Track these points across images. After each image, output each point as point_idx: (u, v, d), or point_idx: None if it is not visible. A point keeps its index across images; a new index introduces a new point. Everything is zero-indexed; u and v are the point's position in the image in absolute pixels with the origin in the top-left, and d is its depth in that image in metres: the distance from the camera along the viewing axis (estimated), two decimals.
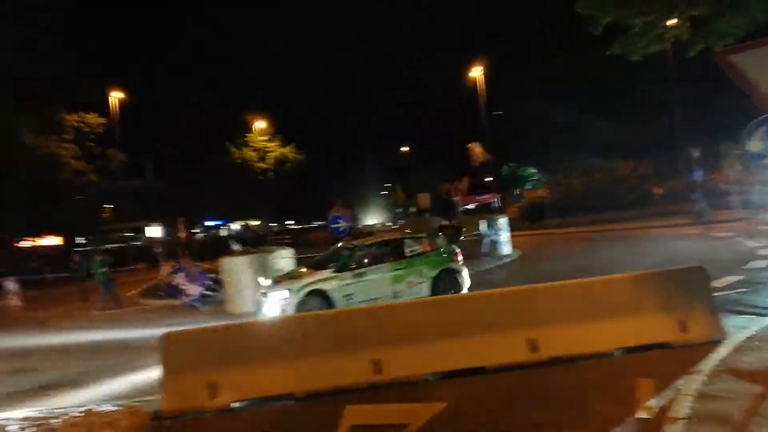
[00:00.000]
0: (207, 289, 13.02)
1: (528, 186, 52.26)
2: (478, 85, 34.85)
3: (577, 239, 23.23)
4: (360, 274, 9.84)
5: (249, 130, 49.62)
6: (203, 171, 46.90)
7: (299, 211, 60.99)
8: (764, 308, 7.05)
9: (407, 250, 10.32)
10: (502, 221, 18.17)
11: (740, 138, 6.09)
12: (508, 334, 5.85)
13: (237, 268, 11.75)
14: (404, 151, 65.08)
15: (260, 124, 49.68)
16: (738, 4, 7.29)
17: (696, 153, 26.32)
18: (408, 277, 10.05)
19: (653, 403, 4.47)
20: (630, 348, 5.75)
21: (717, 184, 28.61)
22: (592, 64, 26.65)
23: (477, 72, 34.86)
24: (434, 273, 10.23)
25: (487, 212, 32.38)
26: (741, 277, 9.47)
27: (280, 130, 50.31)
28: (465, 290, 10.34)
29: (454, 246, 10.95)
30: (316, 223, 61.46)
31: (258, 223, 54.82)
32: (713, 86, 24.38)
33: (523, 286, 6.51)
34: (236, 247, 14.69)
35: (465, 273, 10.54)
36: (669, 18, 7.93)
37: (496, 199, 37.94)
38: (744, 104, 6.25)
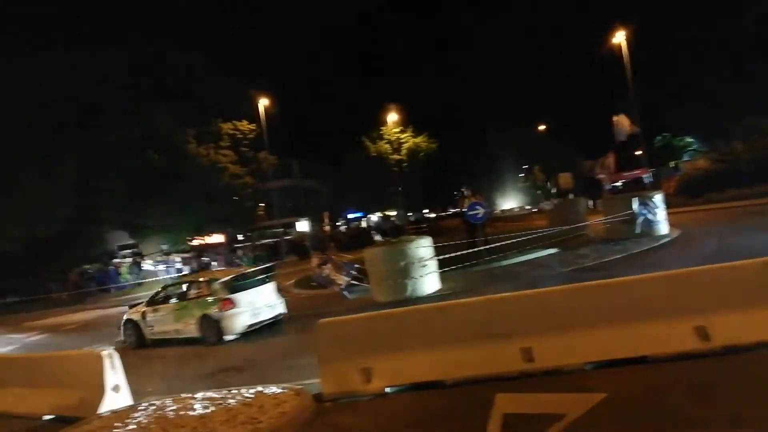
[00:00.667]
0: (353, 279, 13.66)
1: (685, 157, 47.31)
2: (622, 51, 32.20)
3: (745, 214, 20.51)
4: (157, 310, 11.35)
5: (383, 123, 51.01)
6: (343, 166, 49.31)
7: (435, 199, 61.42)
8: None
9: (192, 293, 11.08)
10: (657, 198, 16.63)
11: None
12: (672, 320, 5.36)
13: (378, 258, 12.17)
14: (541, 130, 62.41)
15: (393, 117, 50.81)
16: None
17: None
18: (184, 317, 10.85)
19: None
20: None
21: None
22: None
23: (620, 37, 32.20)
24: (198, 316, 10.57)
25: (639, 189, 29.81)
26: None
27: (412, 121, 51.03)
28: (230, 337, 10.36)
29: (225, 295, 10.50)
30: (451, 211, 61.48)
31: (395, 213, 56.28)
32: None
33: (686, 269, 5.93)
34: (377, 237, 15.21)
35: (229, 321, 10.34)
36: None
37: (648, 174, 34.88)
38: None
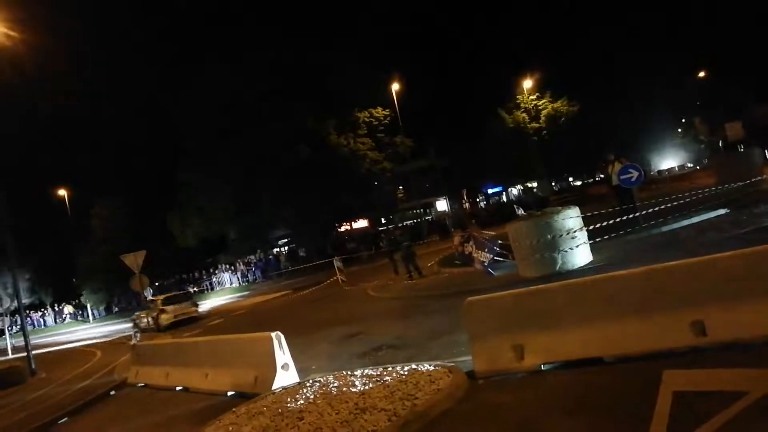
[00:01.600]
0: (497, 255, 13.44)
1: None
2: None
3: None
4: None
5: (518, 92, 49.27)
6: (479, 141, 48.51)
7: (580, 167, 57.90)
8: None
9: None
10: None
11: None
12: None
13: (523, 232, 11.82)
14: (700, 77, 55.61)
15: (528, 84, 48.80)
16: None
17: None
18: None
19: None
20: None
21: None
22: None
23: None
24: None
25: None
26: None
27: (550, 85, 48.55)
28: None
29: None
30: (598, 178, 57.46)
31: (536, 184, 54.12)
32: None
33: None
34: (520, 211, 14.74)
35: None
36: None
37: None
38: None
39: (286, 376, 7.33)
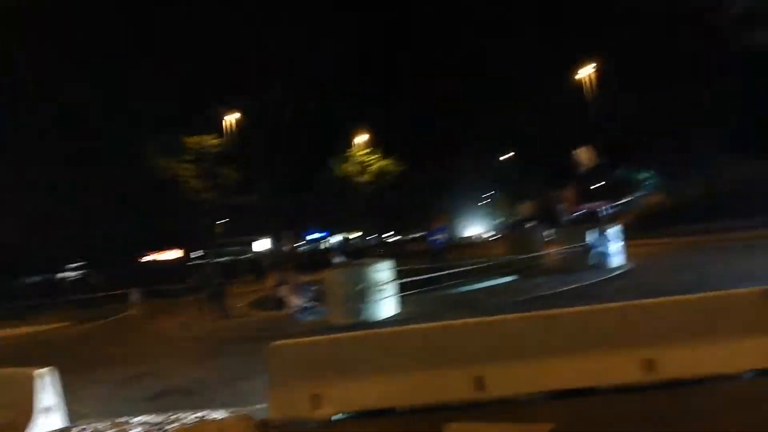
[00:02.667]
0: (309, 301, 13.44)
1: (643, 191, 48.87)
2: (586, 85, 33.27)
3: (696, 249, 21.27)
4: None
5: (351, 144, 51.18)
6: (310, 186, 49.13)
7: (401, 222, 61.61)
8: None
9: None
10: (612, 231, 17.06)
11: None
12: (620, 352, 5.42)
13: (337, 280, 12.03)
14: (507, 159, 63.52)
15: (362, 138, 51.04)
16: None
17: None
18: None
19: None
20: (761, 370, 5.12)
21: None
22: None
23: (586, 71, 33.30)
24: None
25: (596, 221, 30.55)
26: None
27: (380, 143, 51.38)
28: None
29: None
30: (416, 235, 61.67)
31: (358, 235, 56.14)
32: None
33: (636, 301, 6.04)
34: (337, 259, 15.06)
35: None
36: None
37: (605, 207, 35.80)
38: None
39: (48, 421, 6.29)
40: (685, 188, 35.92)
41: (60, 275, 38.41)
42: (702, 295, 5.81)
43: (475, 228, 72.13)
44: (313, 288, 13.66)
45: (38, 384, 6.32)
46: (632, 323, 5.61)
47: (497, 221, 70.09)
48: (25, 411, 6.26)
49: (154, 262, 40.15)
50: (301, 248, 55.38)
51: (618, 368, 5.36)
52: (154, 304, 23.91)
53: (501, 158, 62.81)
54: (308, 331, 9.49)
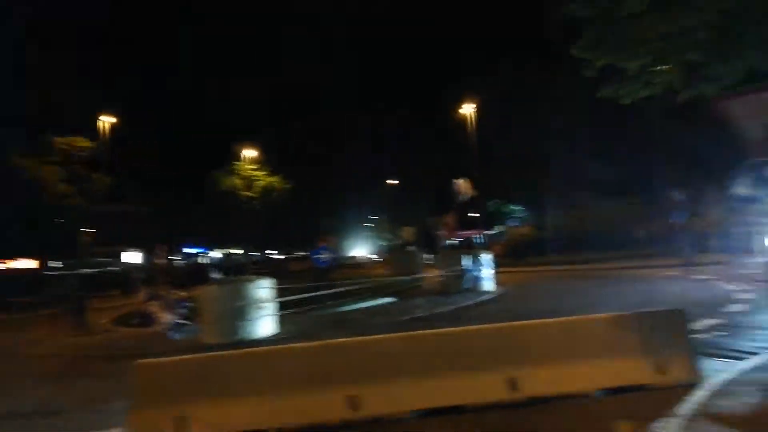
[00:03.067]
0: (182, 318, 12.73)
1: (512, 223, 52.56)
2: (467, 121, 35.25)
3: (558, 278, 23.34)
4: None
5: (238, 158, 49.67)
6: (189, 198, 46.79)
7: (286, 241, 60.70)
8: (741, 352, 7.05)
9: None
10: (486, 257, 18.16)
11: (727, 181, 6.18)
12: (488, 371, 5.75)
13: (214, 296, 11.55)
14: (392, 184, 65.24)
15: (249, 153, 49.74)
16: (731, 52, 7.37)
17: (678, 196, 26.80)
18: None
19: None
20: (608, 389, 5.69)
21: (699, 227, 29.05)
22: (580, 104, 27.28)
23: (467, 108, 35.31)
24: None
25: (471, 248, 32.31)
26: (718, 321, 9.50)
27: (269, 160, 50.43)
28: None
29: None
30: (300, 254, 61.00)
31: (240, 252, 54.35)
32: (700, 130, 24.71)
33: (503, 324, 6.46)
34: (216, 275, 14.46)
35: None
36: (663, 62, 7.96)
37: (480, 235, 37.99)
38: (730, 148, 6.40)
39: None
40: (551, 222, 39.29)
41: None
42: (561, 319, 6.34)
43: (360, 249, 72.99)
44: (186, 304, 12.97)
45: None
46: (499, 344, 5.99)
47: (381, 244, 71.50)
48: None
49: (5, 271, 35.84)
50: (178, 262, 52.49)
51: (486, 387, 5.67)
52: (2, 318, 21.33)
53: (388, 182, 64.44)
54: (179, 350, 8.97)
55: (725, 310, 10.70)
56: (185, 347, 10.17)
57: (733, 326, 8.97)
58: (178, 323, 12.64)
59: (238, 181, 49.17)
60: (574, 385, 5.71)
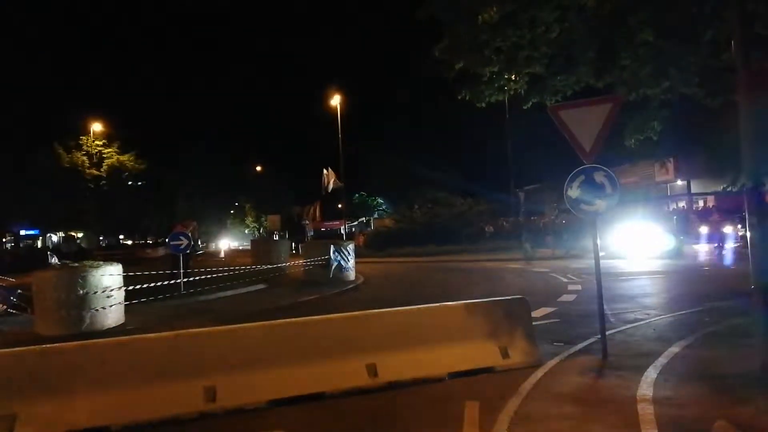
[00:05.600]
0: (11, 307, 11.30)
1: (376, 215, 54.00)
2: (335, 113, 35.39)
3: (416, 268, 24.49)
4: None
5: (84, 132, 45.01)
6: (22, 173, 41.27)
7: (142, 225, 56.29)
8: (573, 337, 7.94)
9: None
10: (349, 247, 18.46)
11: (562, 185, 6.90)
12: (348, 358, 5.85)
13: (52, 283, 10.37)
14: (258, 170, 63.46)
15: (97, 127, 45.34)
16: (567, 68, 8.31)
17: (522, 196, 29.53)
18: None
19: (479, 424, 4.74)
20: (459, 372, 6.08)
21: (538, 225, 32.30)
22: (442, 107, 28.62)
23: (335, 101, 35.44)
24: None
25: (336, 238, 32.68)
26: (554, 309, 10.62)
27: (122, 137, 46.32)
28: None
29: None
30: (152, 240, 56.89)
31: (82, 235, 49.41)
32: (544, 136, 27.26)
33: (362, 312, 6.60)
34: (54, 260, 13.00)
35: None
36: (510, 72, 8.67)
37: (344, 226, 38.54)
38: (567, 155, 7.17)
39: None
40: (411, 216, 41.19)
41: None
42: (417, 307, 6.65)
43: (224, 237, 70.23)
44: (18, 292, 11.52)
45: None
46: (358, 331, 6.12)
47: (246, 231, 69.34)
48: None
49: None
50: (8, 245, 46.48)
51: (346, 374, 5.77)
52: None
53: (254, 167, 62.68)
54: (7, 343, 7.94)
55: (560, 299, 11.99)
56: (16, 340, 9.06)
57: (565, 314, 10.07)
58: (8, 312, 11.21)
59: (83, 157, 44.69)
60: (430, 370, 6.03)
